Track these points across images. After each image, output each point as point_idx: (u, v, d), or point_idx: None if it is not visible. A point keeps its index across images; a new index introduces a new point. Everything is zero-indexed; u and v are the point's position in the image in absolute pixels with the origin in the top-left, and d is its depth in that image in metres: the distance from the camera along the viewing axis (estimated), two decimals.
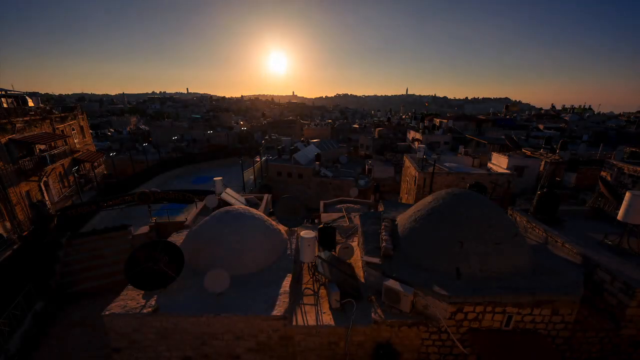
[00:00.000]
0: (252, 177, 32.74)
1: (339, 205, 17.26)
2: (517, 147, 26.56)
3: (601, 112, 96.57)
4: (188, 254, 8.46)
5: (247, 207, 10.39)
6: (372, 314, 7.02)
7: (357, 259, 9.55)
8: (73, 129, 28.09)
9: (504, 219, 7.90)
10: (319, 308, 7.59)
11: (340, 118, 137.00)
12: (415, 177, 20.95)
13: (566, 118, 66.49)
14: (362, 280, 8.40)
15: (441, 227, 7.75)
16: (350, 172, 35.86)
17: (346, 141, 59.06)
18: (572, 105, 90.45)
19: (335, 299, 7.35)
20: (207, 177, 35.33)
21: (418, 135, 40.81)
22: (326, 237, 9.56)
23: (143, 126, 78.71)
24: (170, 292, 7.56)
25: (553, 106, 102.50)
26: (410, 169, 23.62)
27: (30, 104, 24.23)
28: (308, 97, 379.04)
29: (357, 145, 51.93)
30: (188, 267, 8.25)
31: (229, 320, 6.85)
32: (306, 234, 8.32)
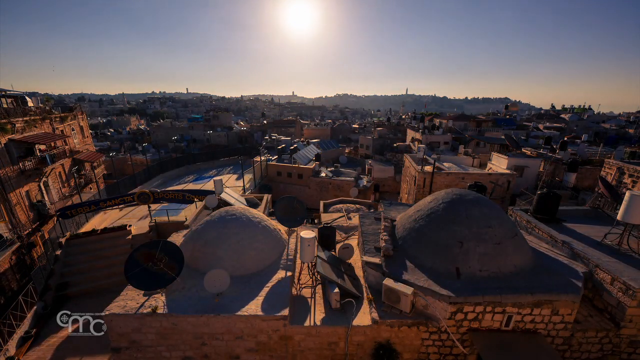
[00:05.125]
0: (252, 177, 32.72)
1: (339, 205, 17.25)
2: (517, 147, 26.54)
3: (601, 112, 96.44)
4: (188, 254, 8.45)
5: (247, 208, 10.40)
6: (372, 314, 7.02)
7: (357, 259, 9.55)
8: (73, 129, 28.06)
9: (504, 219, 7.89)
10: (318, 308, 7.58)
11: (340, 118, 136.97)
12: (415, 177, 20.96)
13: (566, 118, 66.43)
14: (362, 280, 8.40)
15: (441, 227, 7.74)
16: (350, 172, 35.83)
17: (346, 141, 59.12)
18: (572, 106, 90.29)
19: (335, 299, 7.35)
20: (207, 177, 35.38)
21: (418, 135, 40.77)
22: (326, 237, 9.56)
23: (143, 126, 78.75)
24: (170, 292, 7.56)
25: (553, 106, 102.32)
26: (410, 169, 23.64)
27: (30, 104, 24.19)
28: (308, 97, 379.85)
29: (357, 145, 51.99)
30: (188, 267, 8.25)
31: (229, 320, 6.85)
32: (306, 234, 8.31)
